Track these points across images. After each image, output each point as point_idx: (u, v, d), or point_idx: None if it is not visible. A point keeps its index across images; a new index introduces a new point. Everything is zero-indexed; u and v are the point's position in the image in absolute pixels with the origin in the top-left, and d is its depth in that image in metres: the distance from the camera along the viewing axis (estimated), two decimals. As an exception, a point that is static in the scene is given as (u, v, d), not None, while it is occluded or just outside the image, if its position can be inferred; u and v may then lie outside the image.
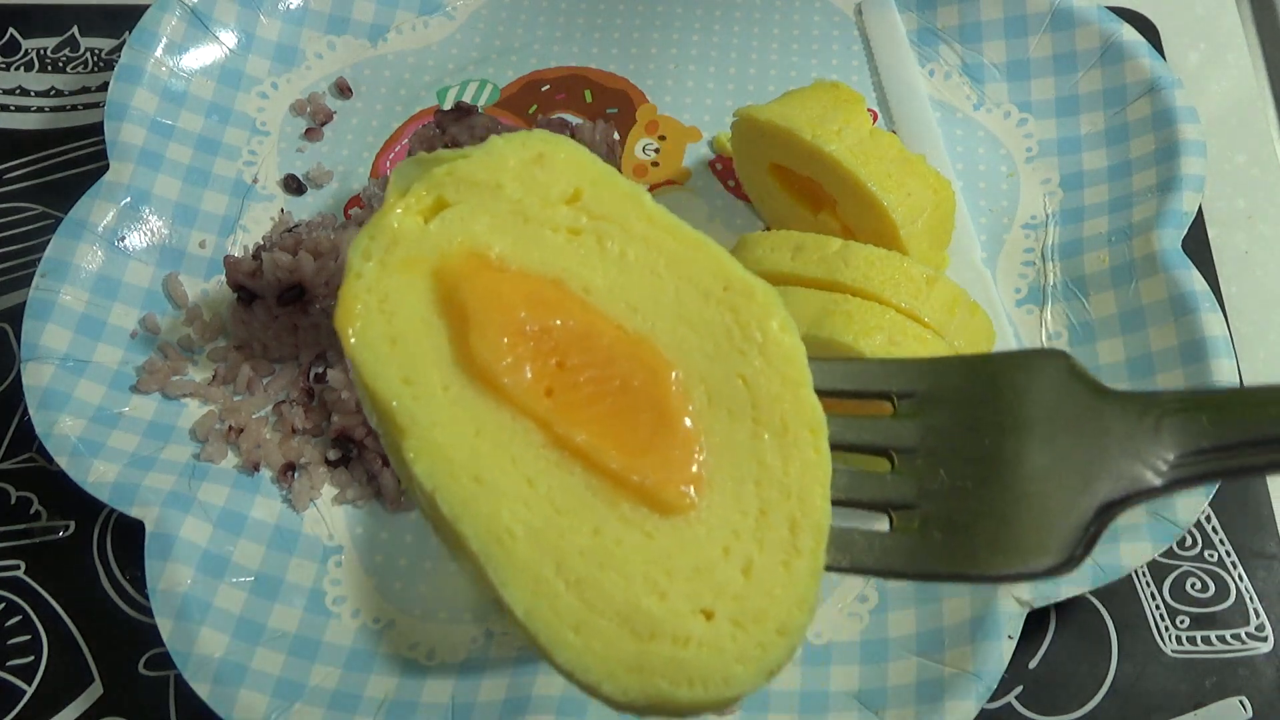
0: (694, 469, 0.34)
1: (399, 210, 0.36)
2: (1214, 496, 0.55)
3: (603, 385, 0.34)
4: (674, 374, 0.35)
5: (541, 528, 0.33)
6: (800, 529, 0.34)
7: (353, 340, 0.34)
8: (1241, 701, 0.56)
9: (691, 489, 0.34)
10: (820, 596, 0.33)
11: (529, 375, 0.34)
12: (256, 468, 0.61)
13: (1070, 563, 0.34)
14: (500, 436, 0.33)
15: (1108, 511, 0.34)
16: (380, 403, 0.34)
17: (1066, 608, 0.58)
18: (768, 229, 0.70)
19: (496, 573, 0.32)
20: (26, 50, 0.80)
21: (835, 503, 0.35)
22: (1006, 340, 0.64)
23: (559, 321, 0.35)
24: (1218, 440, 0.34)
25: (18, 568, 0.60)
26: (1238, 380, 0.58)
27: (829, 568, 0.35)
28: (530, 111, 0.75)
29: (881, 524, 0.36)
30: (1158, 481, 0.34)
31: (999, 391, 0.36)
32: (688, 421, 0.34)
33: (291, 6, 0.76)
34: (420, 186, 0.36)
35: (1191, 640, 0.58)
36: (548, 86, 0.77)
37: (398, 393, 0.33)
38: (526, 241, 0.36)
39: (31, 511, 0.62)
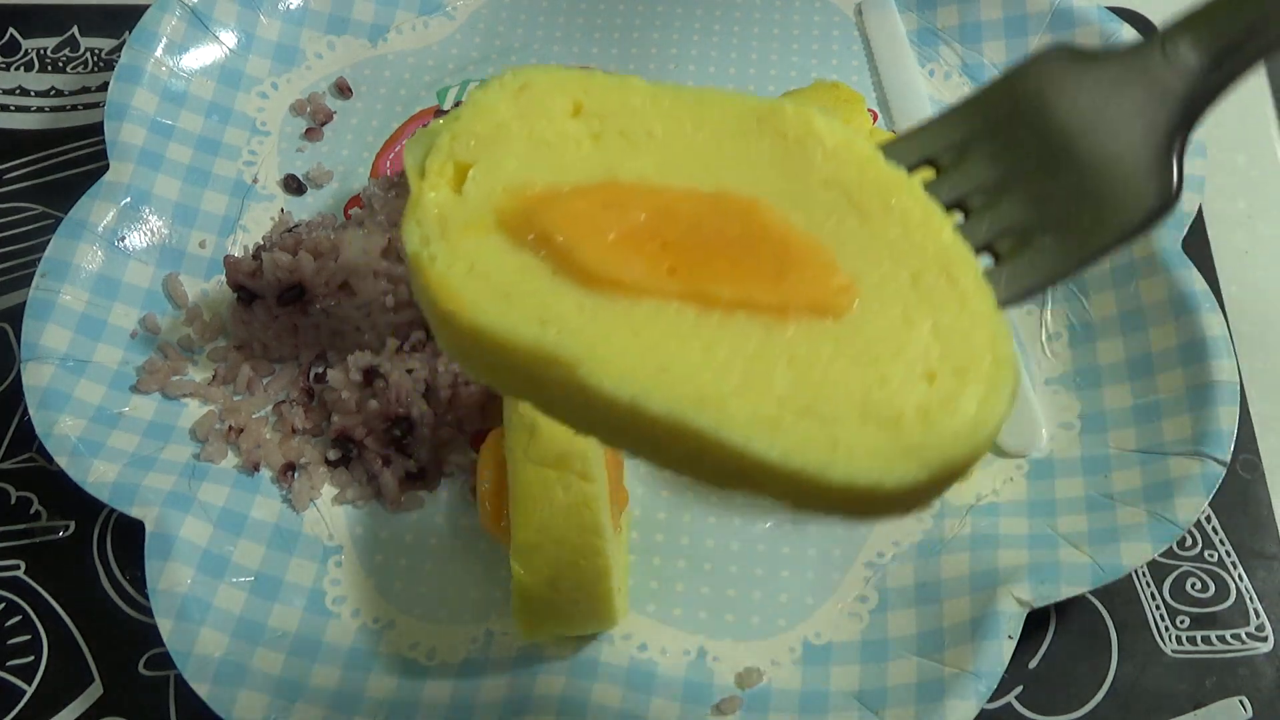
0: (836, 267, 0.35)
1: (430, 192, 0.36)
2: (1214, 496, 0.55)
3: (712, 243, 0.35)
4: (764, 204, 0.36)
5: (744, 379, 0.33)
6: (954, 274, 0.36)
7: (473, 314, 0.34)
8: (1241, 701, 0.56)
9: (845, 283, 0.35)
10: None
11: (645, 264, 0.34)
12: (256, 468, 0.61)
13: (1174, 195, 0.37)
14: (658, 325, 0.34)
15: (1175, 137, 0.37)
16: (530, 353, 0.33)
17: (1066, 608, 0.58)
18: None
19: (732, 437, 0.32)
20: (26, 50, 0.80)
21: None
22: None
23: (639, 212, 0.35)
24: (1224, 38, 0.37)
25: (18, 568, 0.60)
26: (1238, 381, 0.58)
27: (1005, 305, 0.36)
28: (530, 111, 0.75)
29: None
30: (1198, 88, 0.37)
31: (1025, 102, 0.39)
32: (802, 235, 0.36)
33: (291, 6, 0.76)
34: (434, 160, 0.36)
35: (1191, 640, 0.58)
36: (548, 86, 0.76)
37: (543, 335, 0.33)
38: (561, 163, 0.37)
39: (31, 511, 0.62)
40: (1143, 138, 0.38)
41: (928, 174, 0.40)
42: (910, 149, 0.40)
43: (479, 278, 0.34)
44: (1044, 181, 0.38)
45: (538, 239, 0.35)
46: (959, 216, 0.38)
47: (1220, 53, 0.38)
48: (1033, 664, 0.57)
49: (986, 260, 0.38)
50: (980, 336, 0.35)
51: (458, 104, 0.70)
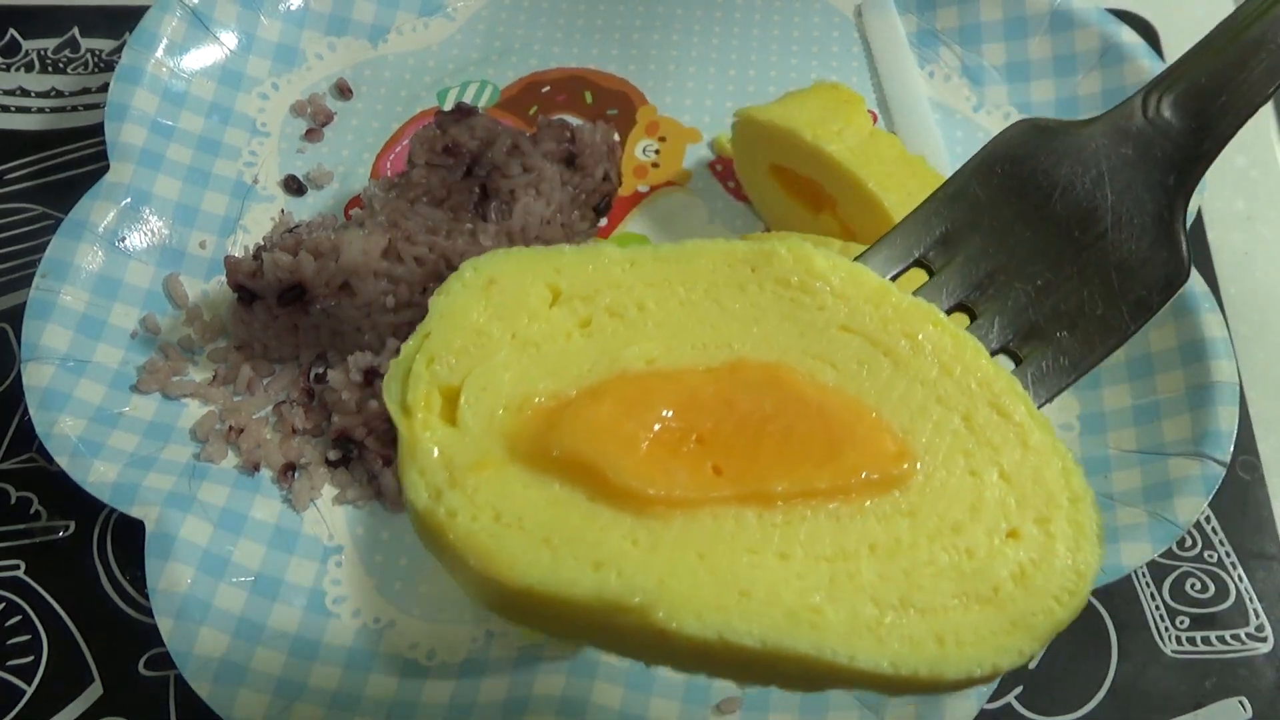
0: (887, 429, 0.33)
1: (424, 433, 0.32)
2: (1214, 497, 0.55)
3: (749, 427, 0.32)
4: (789, 369, 0.33)
5: (831, 581, 0.31)
6: (1005, 408, 0.34)
7: (517, 574, 0.30)
8: (1241, 702, 0.56)
9: (902, 446, 0.33)
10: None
11: (689, 472, 0.31)
12: (257, 468, 0.61)
13: (1186, 268, 0.35)
14: (723, 541, 0.31)
15: (1175, 205, 0.35)
16: (592, 604, 0.30)
17: (1066, 608, 0.58)
18: (768, 230, 0.70)
19: (837, 654, 0.30)
20: (27, 51, 0.80)
21: (993, 353, 0.35)
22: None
23: (662, 408, 0.32)
24: (1204, 98, 0.35)
25: (18, 568, 0.60)
26: (1238, 382, 0.58)
27: (1040, 406, 0.35)
28: (530, 113, 0.75)
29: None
30: (1191, 151, 0.35)
31: (1005, 185, 0.37)
32: (840, 398, 0.33)
33: (292, 7, 0.76)
34: (415, 392, 0.33)
35: (1191, 640, 0.58)
36: (548, 88, 0.77)
37: (603, 582, 0.30)
38: (557, 363, 0.34)
39: (31, 511, 0.62)
40: (1140, 209, 0.35)
41: (921, 276, 0.37)
42: (897, 252, 0.38)
43: (510, 526, 0.30)
44: (1045, 269, 0.36)
45: (563, 464, 0.31)
46: (965, 320, 0.36)
47: (1202, 111, 0.35)
48: (1033, 664, 0.57)
49: (1006, 362, 0.36)
50: (1050, 474, 0.33)
51: (461, 107, 0.70)
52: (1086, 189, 0.36)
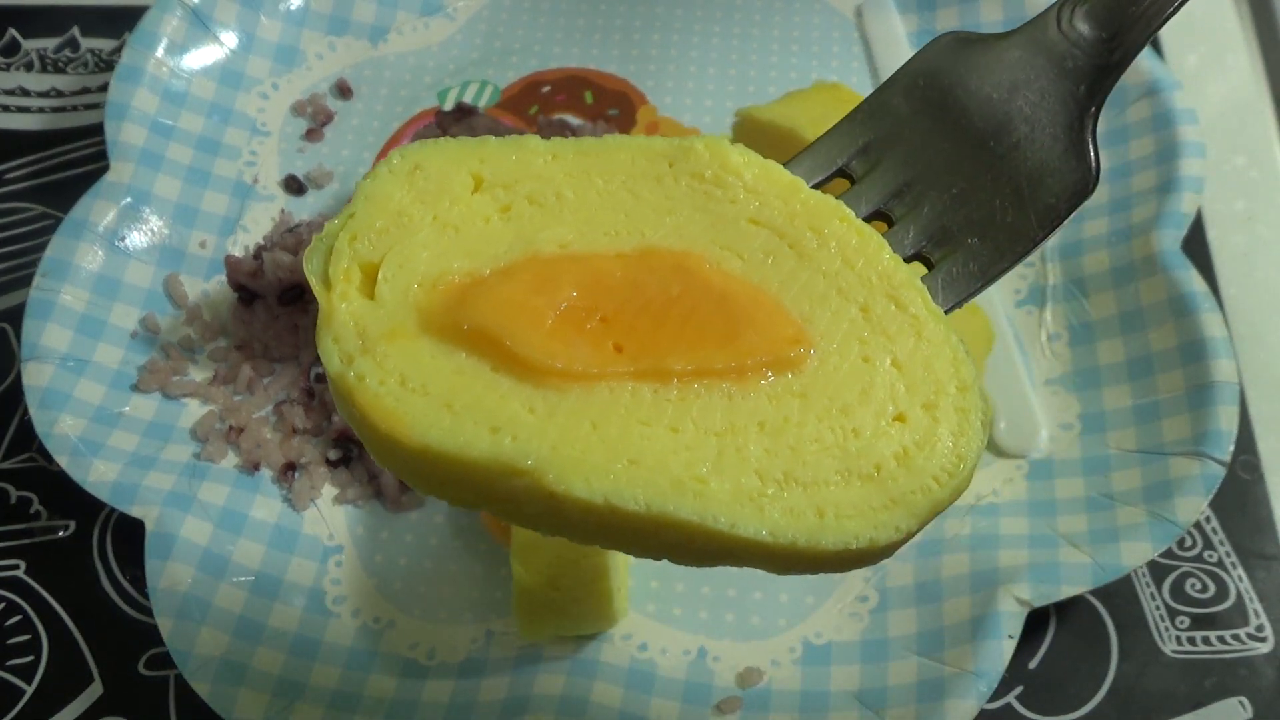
0: (786, 315, 0.34)
1: (341, 303, 0.33)
2: (1214, 497, 0.55)
3: (653, 309, 0.34)
4: (697, 257, 0.35)
5: (718, 455, 0.32)
6: (903, 300, 0.35)
7: (417, 434, 0.31)
8: (1241, 702, 0.56)
9: (799, 331, 0.34)
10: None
11: (590, 348, 0.33)
12: (257, 467, 0.61)
13: (1095, 176, 0.36)
14: (618, 412, 0.32)
15: (1086, 115, 0.36)
16: (487, 466, 0.31)
17: (1066, 608, 0.58)
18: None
19: (719, 520, 0.31)
20: (27, 51, 0.80)
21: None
22: (1006, 341, 0.64)
23: (570, 288, 0.34)
24: (1114, 8, 0.36)
25: (18, 568, 0.60)
26: (1238, 382, 0.58)
27: (948, 311, 0.36)
28: (531, 113, 0.75)
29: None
30: (1102, 60, 0.36)
31: (928, 97, 0.38)
32: (743, 285, 0.34)
33: (292, 7, 0.76)
34: (336, 266, 0.34)
35: (1191, 640, 0.58)
36: (548, 88, 0.77)
37: (498, 445, 0.31)
38: (474, 244, 0.35)
39: (31, 511, 0.62)
40: (1053, 120, 0.36)
41: (842, 186, 0.39)
42: (820, 161, 0.39)
43: (415, 391, 0.32)
44: (959, 178, 0.37)
45: (471, 337, 0.33)
46: (884, 227, 0.38)
47: (1113, 21, 0.36)
48: (1033, 664, 0.57)
49: (921, 270, 0.37)
50: (941, 364, 0.34)
51: (461, 107, 0.70)
52: (1002, 101, 0.37)
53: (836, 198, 0.38)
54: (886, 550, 0.33)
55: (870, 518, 0.32)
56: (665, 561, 0.59)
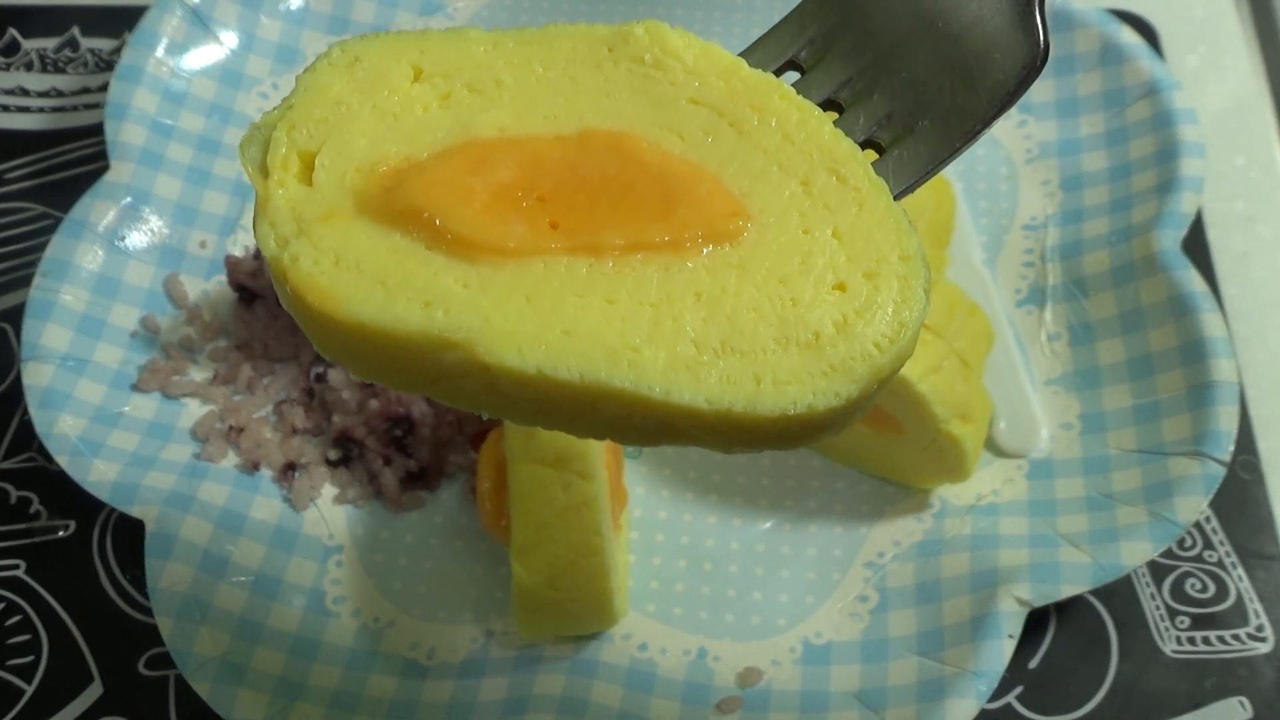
0: (723, 190, 0.34)
1: (278, 189, 0.34)
2: (1214, 497, 0.55)
3: (590, 187, 0.34)
4: (635, 137, 0.35)
5: (653, 325, 0.32)
6: (844, 173, 0.35)
7: (349, 309, 0.32)
8: (1241, 702, 0.56)
9: (736, 204, 0.34)
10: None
11: (524, 224, 0.33)
12: (257, 467, 0.61)
13: (1043, 50, 0.36)
14: (551, 286, 0.32)
15: None
16: (420, 340, 0.32)
17: (1066, 608, 0.58)
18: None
19: (653, 389, 0.31)
20: (27, 50, 0.80)
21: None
22: (1006, 341, 0.64)
23: (506, 168, 0.34)
24: None
25: (18, 568, 0.60)
26: (1238, 382, 0.58)
27: (900, 195, 0.35)
28: (530, 112, 0.75)
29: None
30: None
31: None
32: (681, 162, 0.35)
33: (292, 7, 0.76)
34: (275, 155, 0.34)
35: (1191, 640, 0.58)
36: (548, 87, 0.76)
37: (430, 318, 0.32)
38: (412, 132, 0.35)
39: (31, 511, 0.62)
40: None
41: (793, 76, 0.38)
42: (770, 53, 0.39)
43: (349, 269, 0.32)
44: (909, 62, 0.37)
45: (404, 216, 0.33)
46: (834, 115, 0.37)
47: None
48: (1033, 664, 0.57)
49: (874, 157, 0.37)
50: (883, 235, 0.34)
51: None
52: None
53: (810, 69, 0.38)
54: (828, 420, 0.33)
55: (808, 384, 0.32)
56: (665, 561, 0.60)
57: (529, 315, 0.32)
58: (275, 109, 0.35)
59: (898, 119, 0.37)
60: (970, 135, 0.36)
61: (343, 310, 0.32)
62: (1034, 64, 0.36)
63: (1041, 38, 0.36)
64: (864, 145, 0.37)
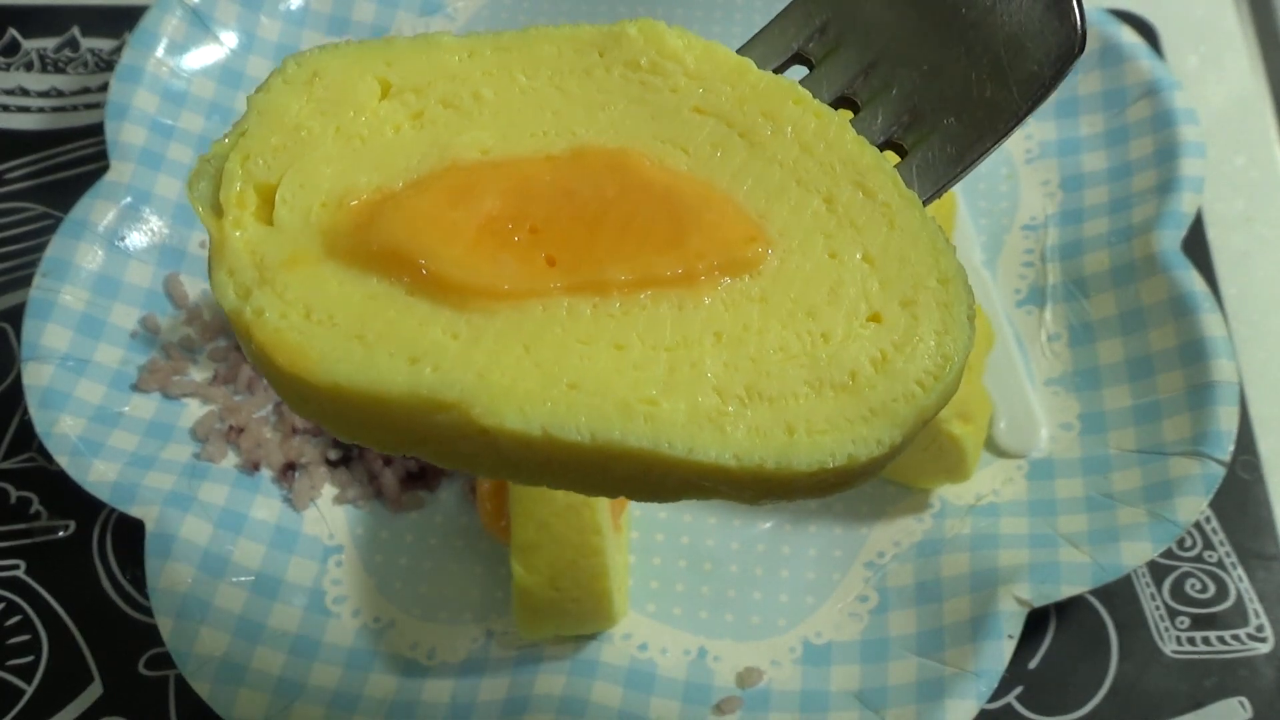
0: (739, 212, 0.31)
1: (235, 232, 0.30)
2: (1214, 497, 0.55)
3: (589, 215, 0.30)
4: (635, 154, 0.31)
5: (669, 373, 0.29)
6: (870, 187, 0.31)
7: (323, 371, 0.28)
8: (1241, 702, 0.56)
9: (754, 228, 0.30)
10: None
11: (518, 262, 0.29)
12: (257, 467, 0.61)
13: (1081, 35, 0.32)
14: (551, 333, 0.29)
15: None
16: (406, 402, 0.28)
17: (1066, 608, 0.58)
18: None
19: (674, 447, 0.28)
20: (27, 50, 0.80)
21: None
22: (1006, 341, 0.64)
23: (492, 197, 0.30)
24: None
25: (18, 568, 0.60)
26: (1238, 382, 0.58)
27: (925, 202, 0.32)
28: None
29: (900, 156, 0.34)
30: None
31: None
32: (690, 181, 0.31)
33: (292, 7, 0.76)
34: (227, 192, 0.30)
35: (1191, 641, 0.58)
36: (548, 87, 0.76)
37: (416, 377, 0.28)
38: (383, 157, 0.31)
39: (31, 511, 0.62)
40: None
41: (802, 73, 0.35)
42: (774, 46, 0.35)
43: (321, 323, 0.29)
44: (931, 52, 0.33)
45: (381, 258, 0.29)
46: (849, 115, 0.34)
47: None
48: (1033, 664, 0.57)
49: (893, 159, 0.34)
50: (918, 256, 0.31)
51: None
52: None
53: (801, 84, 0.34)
54: (868, 468, 0.29)
55: (847, 431, 0.28)
56: (665, 561, 0.60)
57: (529, 368, 0.28)
58: (226, 137, 0.31)
59: (920, 117, 0.33)
60: (1003, 133, 0.33)
61: (317, 371, 0.28)
62: (1071, 51, 0.32)
63: (1078, 22, 0.32)
64: (883, 147, 0.33)
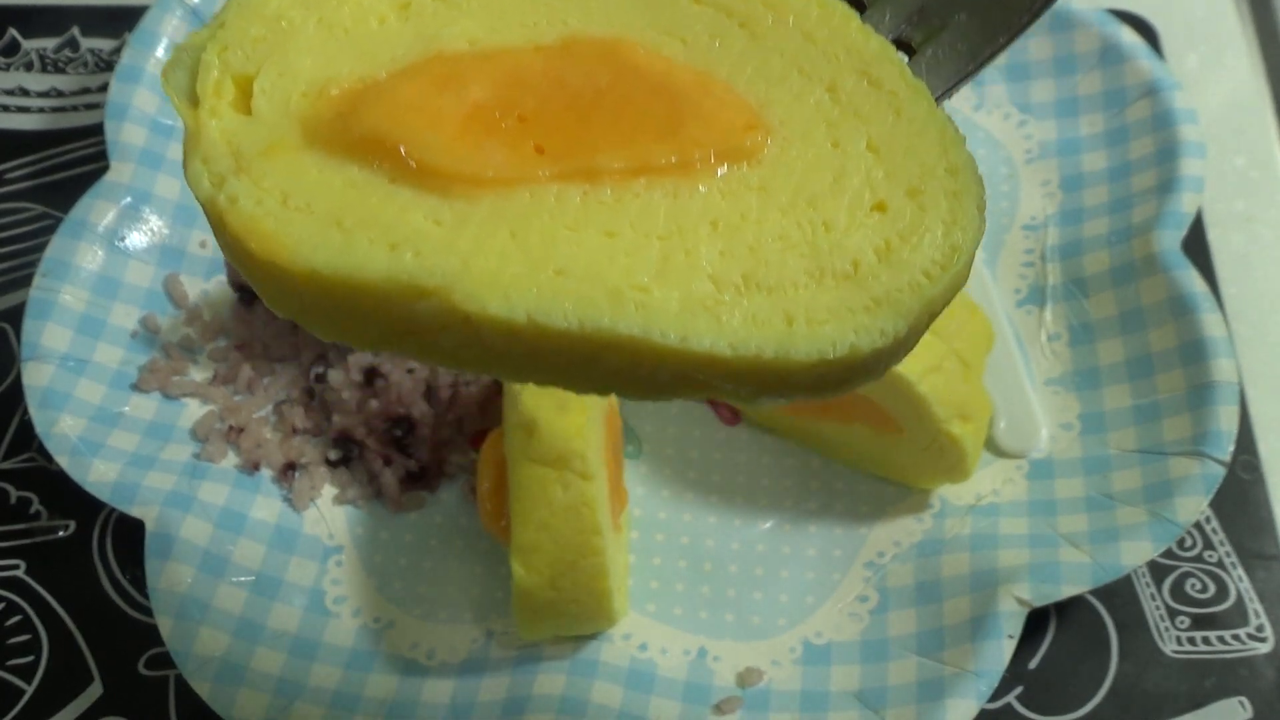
0: (737, 99, 0.30)
1: (211, 120, 0.29)
2: (1214, 497, 0.55)
3: (581, 103, 0.29)
4: (629, 43, 0.30)
5: (663, 260, 0.28)
6: (876, 76, 0.30)
7: (299, 256, 0.27)
8: (1241, 702, 0.56)
9: (753, 115, 0.30)
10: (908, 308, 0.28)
11: (505, 149, 0.28)
12: (257, 467, 0.61)
13: None
14: (540, 219, 0.28)
15: None
16: (385, 288, 0.27)
17: (1066, 608, 0.58)
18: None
19: (667, 335, 0.27)
20: (27, 51, 0.80)
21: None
22: (1006, 341, 0.64)
23: (480, 86, 0.29)
24: None
25: (18, 568, 0.60)
26: (1238, 382, 0.58)
27: (939, 98, 0.31)
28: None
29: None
30: None
31: None
32: (686, 70, 0.30)
33: (292, 7, 0.76)
34: (205, 81, 0.29)
35: (1191, 640, 0.58)
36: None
37: (397, 262, 0.27)
38: (367, 47, 0.30)
39: (31, 511, 0.62)
40: None
41: None
42: None
43: (298, 210, 0.28)
44: None
45: (362, 145, 0.28)
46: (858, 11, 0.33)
47: None
48: (1033, 664, 0.57)
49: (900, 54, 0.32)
50: (926, 145, 0.29)
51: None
52: None
53: None
54: (872, 361, 0.28)
55: (849, 321, 0.27)
56: (665, 561, 0.60)
57: (515, 254, 0.27)
58: (204, 28, 0.30)
59: (930, 13, 0.32)
60: (1016, 30, 0.32)
61: (293, 257, 0.27)
62: None
63: None
64: (908, 37, 0.32)
